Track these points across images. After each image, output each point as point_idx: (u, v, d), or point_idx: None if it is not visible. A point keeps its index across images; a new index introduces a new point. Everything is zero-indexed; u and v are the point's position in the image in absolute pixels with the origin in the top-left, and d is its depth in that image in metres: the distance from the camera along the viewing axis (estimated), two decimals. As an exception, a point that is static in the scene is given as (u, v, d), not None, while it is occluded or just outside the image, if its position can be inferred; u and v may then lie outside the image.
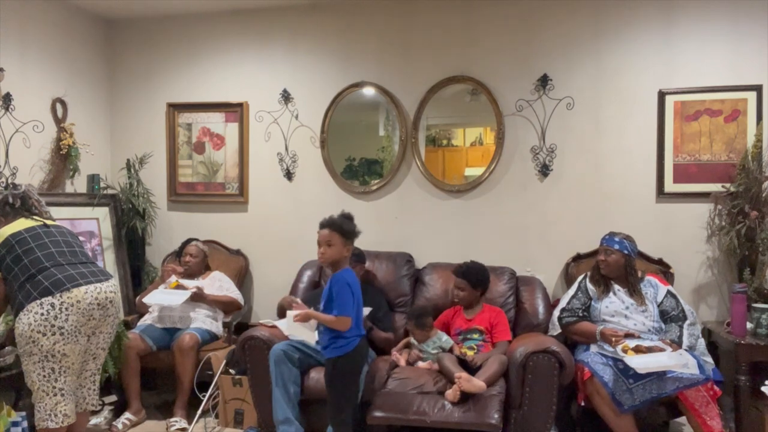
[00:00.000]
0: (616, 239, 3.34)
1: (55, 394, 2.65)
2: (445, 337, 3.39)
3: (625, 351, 2.99)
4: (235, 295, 3.99)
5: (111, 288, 2.77)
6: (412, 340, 3.46)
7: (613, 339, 3.07)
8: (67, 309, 2.61)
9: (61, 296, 2.60)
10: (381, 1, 4.15)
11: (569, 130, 3.90)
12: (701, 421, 2.90)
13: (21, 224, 2.80)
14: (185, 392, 3.58)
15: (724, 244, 3.61)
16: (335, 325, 2.70)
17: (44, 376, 2.63)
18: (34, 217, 2.87)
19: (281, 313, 3.71)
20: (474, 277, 3.46)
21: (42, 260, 2.68)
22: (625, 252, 3.31)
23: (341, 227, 2.76)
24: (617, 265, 3.31)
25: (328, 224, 2.77)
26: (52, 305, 2.59)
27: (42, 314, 2.57)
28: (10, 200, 2.87)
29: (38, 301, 2.58)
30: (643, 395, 2.94)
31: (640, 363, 2.90)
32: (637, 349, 2.99)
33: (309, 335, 2.78)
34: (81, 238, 3.07)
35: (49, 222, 2.88)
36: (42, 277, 2.64)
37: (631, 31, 3.80)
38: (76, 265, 2.74)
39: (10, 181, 3.83)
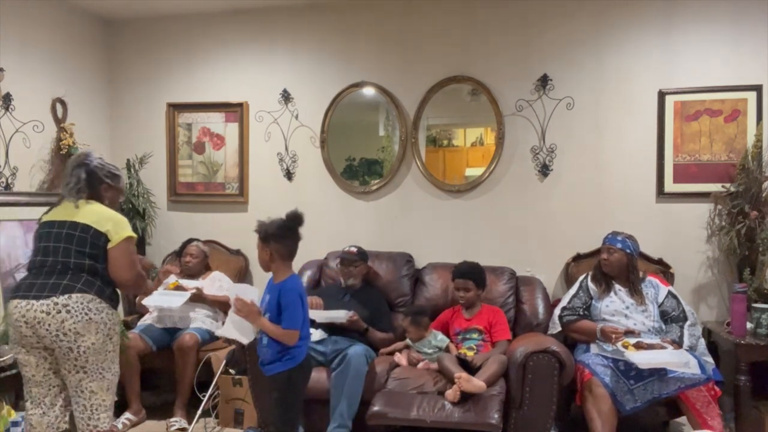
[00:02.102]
0: (619, 238, 3.35)
1: (25, 400, 2.58)
2: (440, 335, 3.40)
3: (625, 347, 2.99)
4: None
5: (44, 308, 2.38)
6: (408, 341, 3.46)
7: (613, 336, 3.08)
8: (5, 320, 2.55)
9: (5, 306, 2.58)
10: (381, 1, 4.15)
11: (569, 130, 3.90)
12: (702, 421, 2.89)
13: (53, 213, 2.57)
14: (185, 392, 3.58)
15: (724, 244, 3.60)
16: (283, 338, 2.50)
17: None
18: (79, 203, 2.54)
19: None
20: (478, 276, 3.47)
21: (28, 264, 2.56)
22: (628, 251, 3.32)
23: (257, 228, 2.59)
24: (620, 264, 3.32)
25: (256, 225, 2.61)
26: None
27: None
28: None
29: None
30: (644, 396, 2.94)
31: (641, 358, 2.90)
32: (638, 346, 2.99)
33: (245, 336, 2.58)
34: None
35: (62, 218, 2.54)
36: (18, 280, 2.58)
37: (631, 31, 3.80)
38: (39, 275, 2.48)
39: (10, 181, 3.84)
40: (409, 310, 3.55)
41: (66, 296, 2.41)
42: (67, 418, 2.59)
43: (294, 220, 2.58)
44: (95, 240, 2.50)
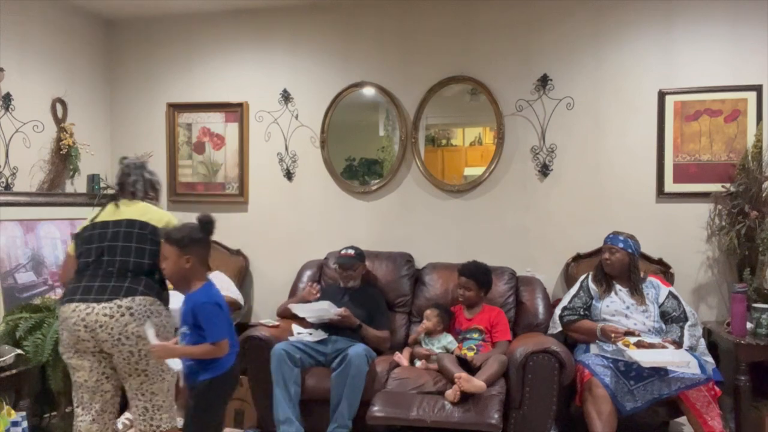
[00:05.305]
0: (621, 238, 3.36)
1: (76, 406, 2.52)
2: (450, 338, 3.41)
3: (626, 346, 2.99)
4: (234, 296, 3.98)
5: (106, 311, 2.35)
6: (420, 336, 3.47)
7: (613, 335, 3.08)
8: (61, 323, 2.45)
9: (59, 309, 2.46)
10: (381, 1, 4.15)
11: (569, 130, 3.90)
12: (702, 421, 2.90)
13: (104, 214, 2.56)
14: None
15: (724, 244, 3.61)
16: (213, 353, 2.31)
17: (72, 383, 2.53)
18: (120, 203, 2.57)
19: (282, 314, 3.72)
20: (482, 277, 3.48)
21: (79, 266, 2.49)
22: (629, 251, 3.32)
23: (169, 235, 2.37)
24: (621, 263, 3.33)
25: (162, 234, 2.41)
26: (58, 316, 2.49)
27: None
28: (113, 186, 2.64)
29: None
30: (644, 396, 2.95)
31: (643, 356, 2.90)
32: (639, 345, 2.99)
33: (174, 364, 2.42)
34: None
35: (117, 218, 2.53)
36: (70, 283, 2.50)
37: (631, 31, 3.80)
38: (95, 278, 2.44)
39: (10, 181, 3.84)
40: (440, 304, 3.54)
41: (129, 299, 2.38)
42: (115, 426, 2.59)
43: (209, 223, 2.41)
44: (154, 236, 2.48)
